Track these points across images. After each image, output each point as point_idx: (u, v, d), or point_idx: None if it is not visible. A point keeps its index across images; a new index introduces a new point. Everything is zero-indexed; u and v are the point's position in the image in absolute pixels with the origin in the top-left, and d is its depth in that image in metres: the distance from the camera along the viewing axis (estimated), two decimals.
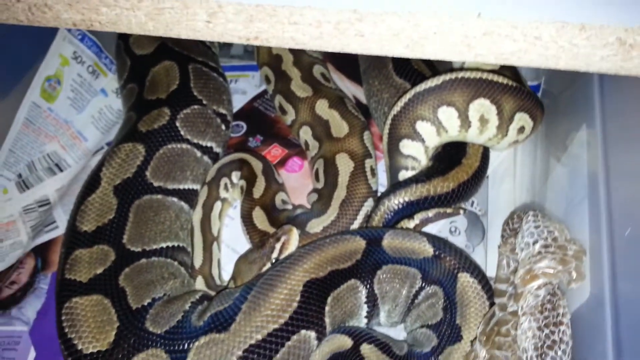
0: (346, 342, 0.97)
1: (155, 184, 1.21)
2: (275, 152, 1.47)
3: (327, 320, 0.98)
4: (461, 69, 1.19)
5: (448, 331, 0.98)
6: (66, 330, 1.00)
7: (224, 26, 0.83)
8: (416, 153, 1.19)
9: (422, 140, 1.17)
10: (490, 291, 0.99)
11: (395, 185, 1.17)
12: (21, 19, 0.89)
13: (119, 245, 1.10)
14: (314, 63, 1.47)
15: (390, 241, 1.05)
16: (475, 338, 0.94)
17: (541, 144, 1.25)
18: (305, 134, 1.39)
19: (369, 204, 1.23)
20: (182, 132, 1.28)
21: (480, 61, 0.81)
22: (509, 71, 1.20)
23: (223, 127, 1.39)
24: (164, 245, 1.16)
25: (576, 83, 1.10)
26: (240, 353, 0.90)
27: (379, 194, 1.26)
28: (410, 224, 1.15)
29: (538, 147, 1.26)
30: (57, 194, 1.48)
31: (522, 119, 1.14)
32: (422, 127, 1.15)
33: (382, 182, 1.32)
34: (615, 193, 0.84)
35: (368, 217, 1.20)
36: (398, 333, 1.12)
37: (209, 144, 1.34)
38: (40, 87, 1.53)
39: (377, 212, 1.17)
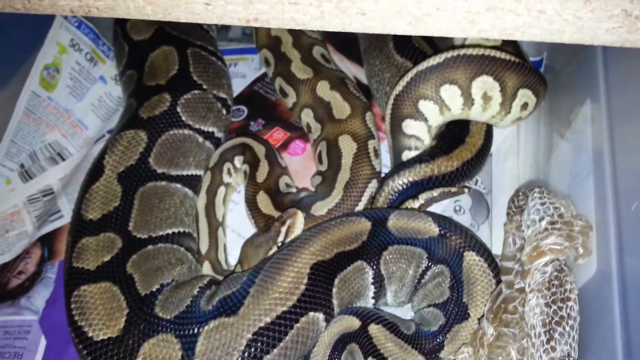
0: (354, 322, 0.98)
1: (159, 171, 1.21)
2: (277, 135, 1.46)
3: (334, 301, 0.99)
4: (462, 46, 1.17)
5: (455, 310, 0.99)
6: (76, 318, 1.01)
7: (223, 8, 0.82)
8: (419, 133, 1.18)
9: (425, 120, 1.16)
10: (496, 269, 1.00)
11: (399, 166, 1.17)
12: (18, 7, 0.88)
13: (125, 233, 1.10)
14: (314, 44, 1.45)
15: (395, 222, 1.05)
16: (482, 316, 0.95)
17: (545, 120, 1.24)
18: (307, 117, 1.38)
19: (373, 185, 1.22)
20: (183, 118, 1.27)
21: (484, 37, 0.80)
22: (511, 47, 1.19)
23: (224, 111, 1.38)
24: (169, 231, 1.17)
25: (579, 57, 1.08)
26: (249, 336, 0.91)
27: (382, 175, 1.26)
28: (415, 204, 1.15)
29: (541, 123, 1.25)
30: (61, 183, 1.48)
31: (525, 95, 1.13)
32: (425, 106, 1.14)
33: (385, 163, 1.32)
34: (620, 167, 0.84)
35: (372, 199, 1.20)
36: (405, 312, 1.13)
37: (210, 129, 1.33)
38: (39, 76, 1.52)
39: (382, 193, 1.17)
